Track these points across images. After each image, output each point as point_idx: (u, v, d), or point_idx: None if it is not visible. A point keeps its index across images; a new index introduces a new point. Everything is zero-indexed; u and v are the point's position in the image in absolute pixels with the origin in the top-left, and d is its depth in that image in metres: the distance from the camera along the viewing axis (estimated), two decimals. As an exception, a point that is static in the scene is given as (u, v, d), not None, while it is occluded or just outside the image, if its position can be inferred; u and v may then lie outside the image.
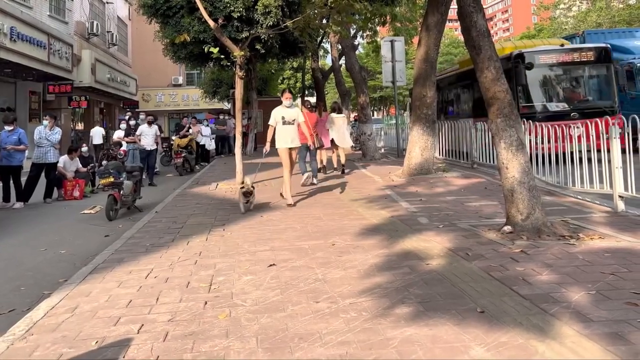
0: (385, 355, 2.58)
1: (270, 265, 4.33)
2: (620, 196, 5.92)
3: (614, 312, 2.96)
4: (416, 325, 2.92)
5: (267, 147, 7.79)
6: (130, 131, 12.84)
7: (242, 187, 7.12)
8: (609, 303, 3.10)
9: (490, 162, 10.10)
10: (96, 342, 2.92)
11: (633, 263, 3.87)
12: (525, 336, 2.71)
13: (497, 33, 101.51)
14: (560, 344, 2.60)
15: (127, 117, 14.58)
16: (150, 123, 12.54)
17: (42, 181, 10.00)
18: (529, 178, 5.05)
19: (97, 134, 17.78)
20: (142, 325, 3.14)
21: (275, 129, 7.73)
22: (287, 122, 7.69)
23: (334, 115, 11.39)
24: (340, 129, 11.33)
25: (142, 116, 13.75)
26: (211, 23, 9.72)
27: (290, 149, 7.73)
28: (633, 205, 5.97)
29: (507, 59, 11.88)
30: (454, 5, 8.03)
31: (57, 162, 10.26)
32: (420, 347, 2.65)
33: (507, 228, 4.99)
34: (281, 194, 8.11)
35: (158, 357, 2.71)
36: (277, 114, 7.74)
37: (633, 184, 5.82)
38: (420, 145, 9.86)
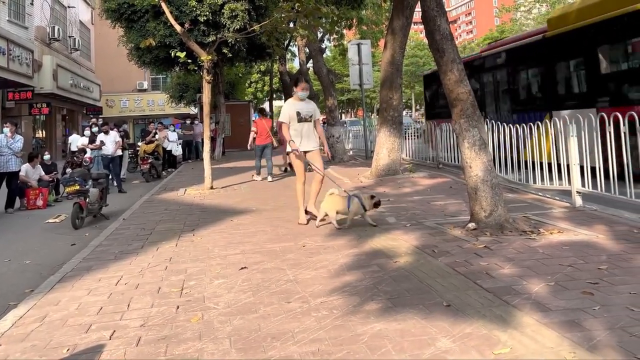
0: (356, 350, 2.66)
1: (242, 268, 4.36)
2: (578, 192, 6.18)
3: (571, 302, 3.12)
4: (385, 321, 3.01)
5: (294, 145, 6.10)
6: (94, 138, 12.62)
7: (373, 197, 5.70)
8: (566, 293, 3.26)
9: (455, 162, 10.35)
10: (67, 350, 2.90)
11: (589, 255, 4.07)
12: (488, 327, 2.83)
13: (460, 35, 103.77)
14: (521, 333, 2.73)
15: (90, 124, 14.35)
16: (107, 131, 12.31)
17: (3, 191, 9.73)
18: (492, 176, 5.23)
19: (74, 141, 17.44)
20: (114, 331, 3.13)
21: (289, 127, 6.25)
22: (304, 119, 6.20)
23: None
24: None
25: (94, 120, 13.64)
26: (177, 27, 9.69)
27: (306, 152, 6.23)
28: (590, 200, 6.24)
29: None
30: (419, 9, 8.23)
31: (19, 170, 10.00)
32: (389, 341, 2.74)
33: (472, 225, 5.16)
34: (306, 211, 6.32)
35: (131, 361, 2.72)
36: (290, 109, 6.25)
37: (589, 180, 6.10)
38: (387, 147, 10.03)
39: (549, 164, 6.90)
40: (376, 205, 5.69)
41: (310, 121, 6.24)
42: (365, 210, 5.67)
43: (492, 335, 2.73)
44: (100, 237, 6.18)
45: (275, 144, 11.43)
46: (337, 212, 5.77)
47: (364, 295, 3.48)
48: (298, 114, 6.16)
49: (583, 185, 6.16)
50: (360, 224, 5.86)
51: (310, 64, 19.92)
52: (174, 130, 18.65)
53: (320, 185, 6.28)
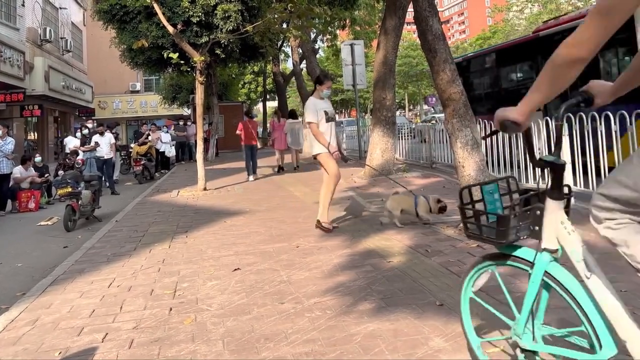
0: (349, 350, 2.67)
1: (235, 269, 4.36)
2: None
3: (563, 300, 3.12)
4: (378, 321, 3.02)
5: (334, 148, 5.57)
6: (86, 140, 12.56)
7: (440, 201, 5.51)
8: (558, 291, 3.28)
9: (448, 161, 10.37)
10: (59, 353, 2.89)
11: (581, 253, 4.09)
12: (481, 326, 2.84)
13: (453, 35, 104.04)
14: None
15: (81, 126, 14.29)
16: (102, 133, 12.25)
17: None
18: (484, 176, 5.26)
19: (69, 142, 17.37)
20: (107, 334, 3.12)
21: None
22: (331, 119, 5.74)
23: (290, 120, 13.13)
24: (295, 133, 13.08)
25: (89, 124, 13.57)
26: (170, 28, 9.66)
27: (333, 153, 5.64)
28: (581, 199, 6.27)
29: None
30: (411, 9, 8.25)
31: (11, 173, 9.93)
32: (382, 341, 2.74)
33: (465, 224, 5.17)
34: (319, 225, 5.72)
35: (123, 364, 2.71)
36: (317, 108, 5.68)
37: (581, 179, 6.13)
38: (381, 147, 10.05)
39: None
40: (441, 210, 5.49)
41: (335, 120, 5.93)
42: (430, 211, 5.53)
43: (485, 334, 2.73)
44: (93, 240, 6.16)
45: (259, 145, 12.30)
46: (402, 211, 5.62)
47: (358, 295, 3.49)
48: (326, 113, 5.70)
49: (575, 184, 6.20)
50: (355, 223, 5.86)
51: (303, 65, 19.94)
52: (167, 132, 18.60)
53: (334, 188, 5.78)
